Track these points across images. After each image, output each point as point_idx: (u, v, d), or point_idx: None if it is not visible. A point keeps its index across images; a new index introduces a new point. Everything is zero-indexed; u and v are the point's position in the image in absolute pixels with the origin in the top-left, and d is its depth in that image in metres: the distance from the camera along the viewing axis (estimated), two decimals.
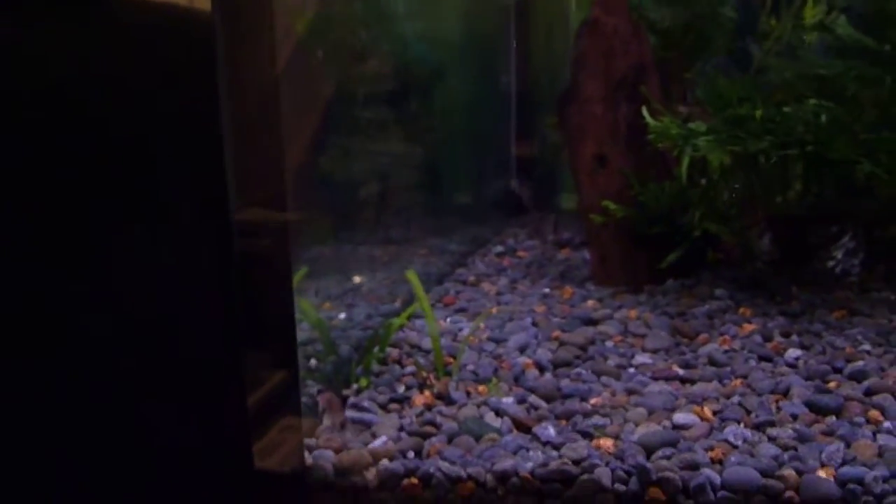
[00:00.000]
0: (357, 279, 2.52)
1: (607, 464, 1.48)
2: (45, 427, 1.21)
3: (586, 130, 2.59)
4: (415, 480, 1.52)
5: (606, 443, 1.56)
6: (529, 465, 1.49)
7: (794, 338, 2.10)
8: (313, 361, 1.97)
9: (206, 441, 1.24)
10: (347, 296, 2.46)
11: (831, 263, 2.65)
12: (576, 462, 1.48)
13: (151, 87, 1.15)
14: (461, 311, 2.42)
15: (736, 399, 1.74)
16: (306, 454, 1.61)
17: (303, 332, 2.07)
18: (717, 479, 1.43)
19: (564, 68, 3.85)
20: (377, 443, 1.63)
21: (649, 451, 1.52)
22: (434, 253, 3.19)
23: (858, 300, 2.36)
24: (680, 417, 1.65)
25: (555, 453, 1.54)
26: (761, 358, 1.99)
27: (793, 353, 1.99)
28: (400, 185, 3.11)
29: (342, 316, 2.28)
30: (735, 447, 1.54)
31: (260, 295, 1.27)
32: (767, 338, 2.10)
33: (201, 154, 1.14)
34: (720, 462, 1.49)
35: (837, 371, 1.88)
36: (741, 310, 2.31)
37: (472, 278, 2.81)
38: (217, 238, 1.15)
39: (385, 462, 1.56)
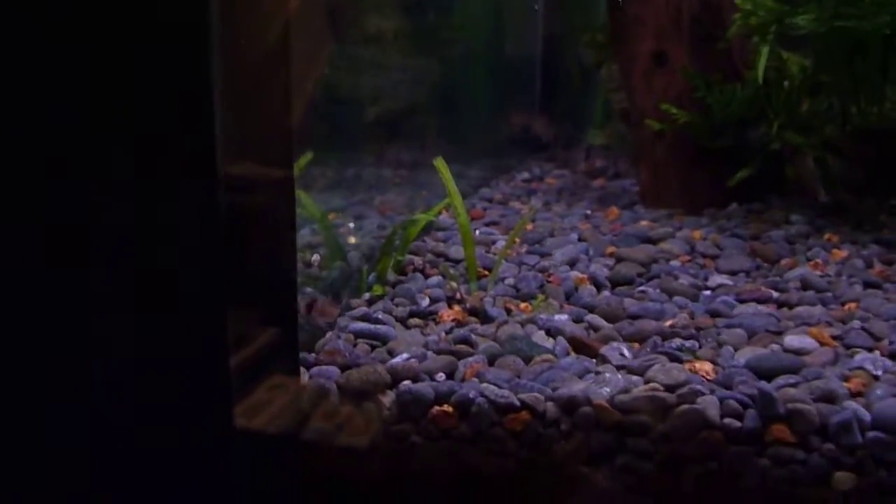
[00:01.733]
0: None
1: (712, 391, 1.09)
2: (23, 380, 1.11)
3: (643, 22, 2.19)
4: (448, 408, 1.13)
5: (704, 366, 1.17)
6: (606, 390, 1.11)
7: None
8: (315, 260, 1.58)
9: (188, 398, 1.10)
10: (355, 207, 2.07)
11: None
12: (670, 388, 1.10)
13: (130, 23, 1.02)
14: (492, 224, 2.03)
15: (856, 324, 1.36)
16: (303, 372, 1.23)
17: (302, 237, 1.68)
18: (867, 416, 1.04)
19: None
20: (397, 360, 1.25)
21: (764, 377, 1.14)
22: (452, 176, 2.78)
23: None
24: (793, 340, 1.27)
25: (636, 378, 1.15)
26: (868, 284, 1.60)
27: None
28: (414, 104, 2.71)
29: (351, 225, 1.89)
30: (876, 377, 1.16)
31: (257, 252, 1.15)
32: (868, 264, 1.72)
33: (187, 102, 1.04)
34: (860, 395, 1.11)
35: None
36: (826, 236, 1.92)
37: (498, 196, 2.42)
38: (203, 192, 1.05)
39: (408, 383, 1.17)
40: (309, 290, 1.44)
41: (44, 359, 1.10)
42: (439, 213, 1.79)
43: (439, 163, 1.58)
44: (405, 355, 1.26)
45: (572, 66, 3.71)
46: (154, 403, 1.10)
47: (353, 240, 1.81)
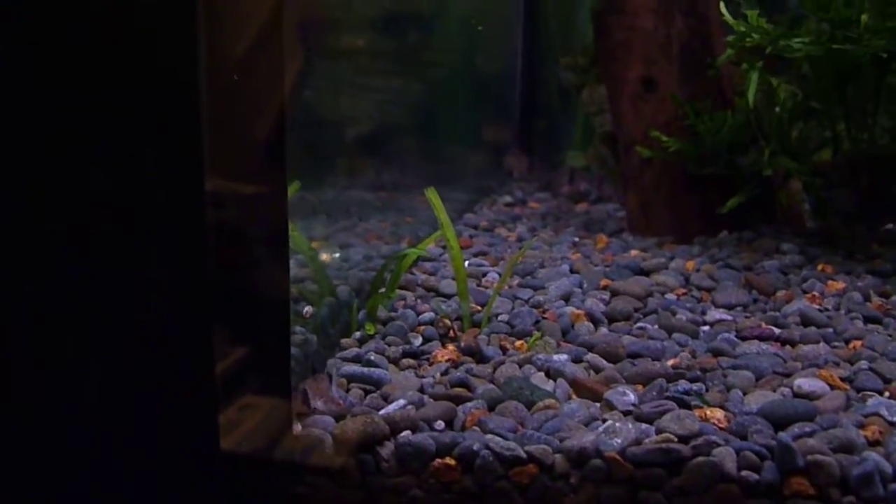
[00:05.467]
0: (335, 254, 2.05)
1: (727, 442, 1.05)
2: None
3: (631, 48, 2.15)
4: (450, 461, 1.08)
5: (715, 413, 1.12)
6: (617, 441, 1.06)
7: (895, 299, 1.69)
8: (308, 312, 1.51)
9: (173, 420, 1.07)
10: (339, 235, 2.01)
11: None
12: (684, 439, 1.05)
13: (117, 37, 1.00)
14: (481, 254, 1.98)
15: (864, 364, 1.32)
16: (295, 423, 1.16)
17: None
18: (888, 467, 1.00)
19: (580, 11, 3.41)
20: (392, 407, 1.19)
21: (778, 425, 1.09)
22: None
23: None
24: (804, 383, 1.22)
25: (647, 427, 1.10)
26: (868, 319, 1.57)
27: None
28: (393, 126, 2.66)
29: (336, 255, 1.83)
30: (892, 424, 1.12)
31: (248, 269, 1.12)
32: (866, 297, 1.69)
33: (174, 116, 1.02)
34: (878, 443, 1.07)
35: None
36: (819, 266, 1.89)
37: (483, 223, 2.37)
38: (188, 209, 1.03)
39: (407, 434, 1.11)
40: (298, 328, 1.37)
41: (23, 372, 1.07)
42: (430, 243, 1.74)
43: (431, 193, 1.53)
44: (402, 401, 1.20)
45: (552, 86, 3.68)
46: (138, 426, 1.07)
47: (328, 257, 1.75)
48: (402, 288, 1.62)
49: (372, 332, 1.44)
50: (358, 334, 1.45)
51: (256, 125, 1.13)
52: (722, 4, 1.88)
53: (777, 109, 1.99)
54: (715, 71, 2.09)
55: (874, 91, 1.91)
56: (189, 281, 1.06)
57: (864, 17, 1.72)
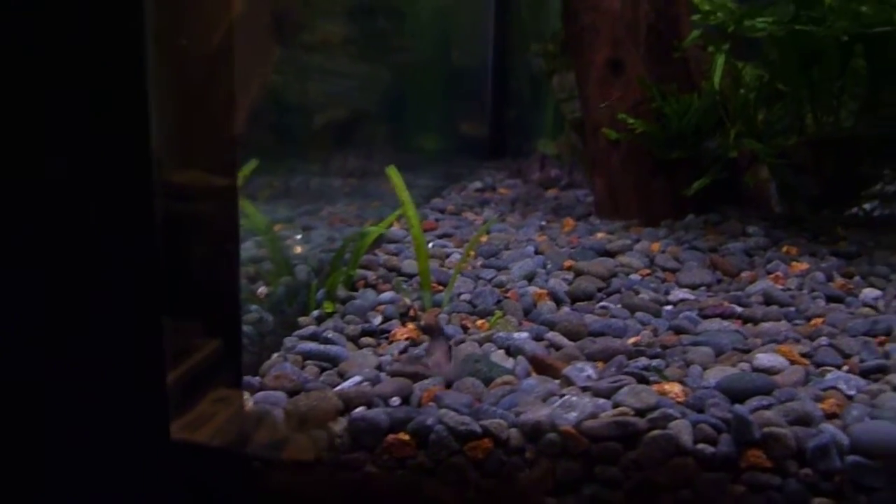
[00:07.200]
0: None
1: (684, 415, 1.03)
2: None
3: (599, 30, 2.14)
4: (405, 436, 1.06)
5: (673, 388, 1.11)
6: (573, 415, 1.04)
7: (858, 279, 1.69)
8: (262, 292, 1.48)
9: (122, 411, 1.06)
10: (303, 218, 1.98)
11: (869, 206, 2.24)
12: (640, 412, 1.04)
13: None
14: (446, 236, 1.96)
15: (824, 340, 1.31)
16: (247, 397, 1.14)
17: (246, 250, 1.58)
18: (845, 440, 1.00)
19: None
20: (347, 384, 1.17)
21: (736, 399, 1.08)
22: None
23: None
24: (763, 359, 1.22)
25: (603, 402, 1.08)
26: (830, 298, 1.57)
27: (869, 293, 1.58)
28: (362, 112, 2.63)
29: (298, 237, 1.80)
30: (849, 397, 1.11)
31: (199, 262, 1.11)
32: (828, 277, 1.68)
33: (120, 104, 0.99)
34: (835, 416, 1.06)
35: None
36: (784, 248, 1.89)
37: (450, 206, 2.35)
38: (138, 200, 1.01)
39: (361, 410, 1.09)
40: (253, 307, 1.35)
41: None
42: (391, 224, 1.72)
43: (392, 171, 1.51)
44: (357, 378, 1.18)
45: (524, 74, 3.67)
46: (86, 414, 1.05)
47: (298, 249, 1.73)
48: (364, 268, 1.60)
49: (331, 311, 1.42)
50: (316, 313, 1.42)
51: (206, 111, 1.11)
52: None
53: (742, 91, 1.99)
54: (681, 53, 2.08)
55: (839, 73, 1.91)
56: (138, 269, 1.03)
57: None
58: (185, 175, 1.11)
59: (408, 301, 1.44)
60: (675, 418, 1.02)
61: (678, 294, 1.59)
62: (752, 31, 1.71)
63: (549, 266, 1.70)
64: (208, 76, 1.11)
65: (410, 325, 1.40)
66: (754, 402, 1.07)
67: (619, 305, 1.51)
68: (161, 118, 1.02)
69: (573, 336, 1.37)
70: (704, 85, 2.07)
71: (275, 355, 1.28)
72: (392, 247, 1.81)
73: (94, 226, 1.02)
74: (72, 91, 0.99)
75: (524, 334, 1.35)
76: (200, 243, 1.11)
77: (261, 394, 1.14)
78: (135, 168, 1.01)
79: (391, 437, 1.06)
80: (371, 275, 1.58)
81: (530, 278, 1.62)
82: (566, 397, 1.09)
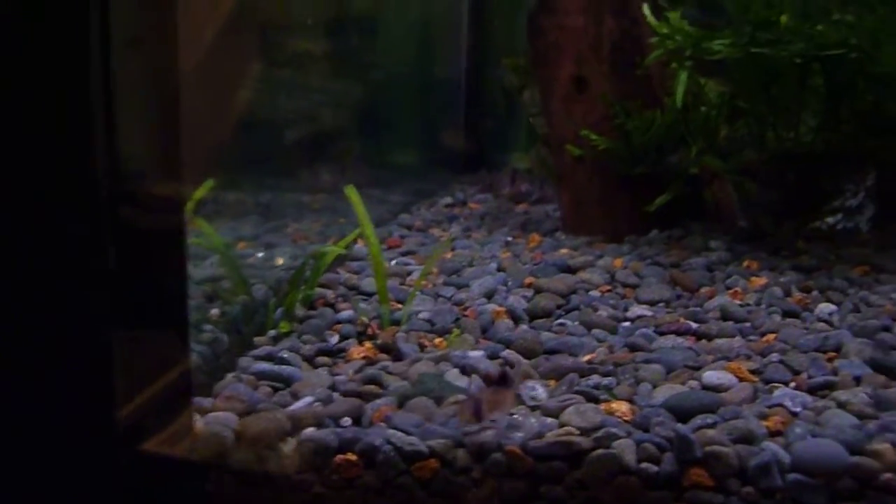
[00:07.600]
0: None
1: (629, 434, 1.04)
2: None
3: (563, 48, 2.16)
4: (352, 456, 1.06)
5: (621, 407, 1.12)
6: (518, 435, 1.05)
7: (816, 293, 1.71)
8: (216, 306, 1.49)
9: (71, 418, 1.06)
10: (266, 236, 1.99)
11: (832, 220, 2.27)
12: (585, 432, 1.05)
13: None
14: (409, 253, 1.97)
15: (775, 357, 1.33)
16: (197, 419, 1.14)
17: (204, 269, 1.59)
18: (787, 457, 1.01)
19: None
20: (299, 404, 1.18)
21: (681, 418, 1.09)
22: (372, 202, 2.70)
23: (878, 256, 1.98)
24: (711, 376, 1.23)
25: (550, 421, 1.09)
26: (786, 313, 1.59)
27: (825, 308, 1.60)
28: (334, 128, 2.64)
29: (260, 255, 1.81)
30: (794, 414, 1.12)
31: (145, 269, 1.10)
32: (786, 292, 1.70)
33: (65, 112, 1.00)
34: (779, 434, 1.07)
35: (886, 329, 1.48)
36: (745, 262, 1.91)
37: (418, 223, 2.36)
38: (88, 209, 1.02)
39: (311, 430, 1.10)
40: (208, 327, 1.35)
41: None
42: (353, 242, 1.72)
43: (350, 191, 1.51)
44: (309, 398, 1.19)
45: (497, 88, 3.68)
46: (32, 432, 1.05)
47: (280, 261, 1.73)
48: (323, 286, 1.61)
49: (287, 331, 1.42)
50: (273, 332, 1.43)
51: (154, 123, 1.12)
52: (646, 7, 1.90)
53: (703, 109, 2.01)
54: (644, 70, 2.10)
55: (798, 91, 1.94)
56: (88, 279, 1.04)
57: (783, 19, 1.74)
58: (130, 185, 1.10)
59: (365, 320, 1.45)
60: (620, 437, 1.03)
61: (636, 311, 1.60)
62: (710, 53, 1.73)
63: (510, 283, 1.71)
64: (154, 84, 1.11)
65: (368, 344, 1.41)
66: (699, 420, 1.08)
67: (576, 322, 1.52)
68: (108, 130, 1.02)
69: (528, 354, 1.38)
70: (667, 101, 2.09)
71: (229, 375, 1.28)
72: (355, 265, 1.82)
73: (41, 239, 1.02)
74: (18, 97, 0.99)
75: (480, 352, 1.36)
76: (146, 261, 1.11)
77: (211, 415, 1.14)
78: (81, 179, 1.01)
79: (339, 457, 1.07)
80: (330, 293, 1.59)
81: (490, 296, 1.63)
82: (513, 417, 1.10)
